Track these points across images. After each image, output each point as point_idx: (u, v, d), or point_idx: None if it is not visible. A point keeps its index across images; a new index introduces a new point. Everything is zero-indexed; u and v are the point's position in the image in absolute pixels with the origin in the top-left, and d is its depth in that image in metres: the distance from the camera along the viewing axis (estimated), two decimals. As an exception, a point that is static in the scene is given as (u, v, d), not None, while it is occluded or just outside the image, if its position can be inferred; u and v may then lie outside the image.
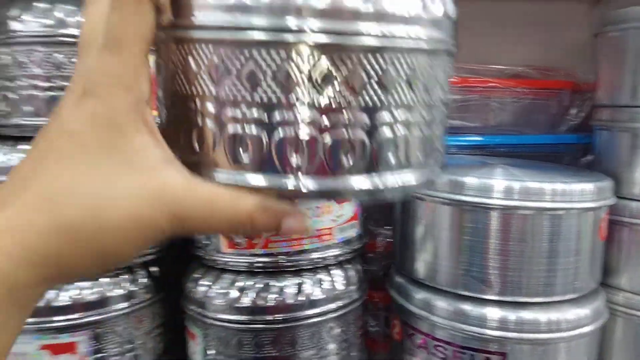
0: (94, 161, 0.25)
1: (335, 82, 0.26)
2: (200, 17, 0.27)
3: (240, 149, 0.27)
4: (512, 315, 0.55)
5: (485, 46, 0.86)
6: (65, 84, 0.52)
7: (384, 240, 0.77)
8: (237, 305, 0.56)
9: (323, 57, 0.26)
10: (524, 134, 0.76)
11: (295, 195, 0.27)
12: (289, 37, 0.26)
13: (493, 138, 0.74)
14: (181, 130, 0.29)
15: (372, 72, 0.27)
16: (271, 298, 0.56)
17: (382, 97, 0.27)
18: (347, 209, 0.61)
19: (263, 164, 0.27)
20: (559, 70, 0.81)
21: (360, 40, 0.26)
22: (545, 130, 0.78)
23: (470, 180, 0.54)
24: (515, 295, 0.55)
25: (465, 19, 0.89)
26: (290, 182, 0.27)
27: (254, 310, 0.56)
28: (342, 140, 0.27)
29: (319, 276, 0.60)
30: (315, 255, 0.59)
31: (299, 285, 0.58)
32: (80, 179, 0.25)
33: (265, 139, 0.26)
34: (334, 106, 0.26)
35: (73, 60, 0.53)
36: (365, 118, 0.27)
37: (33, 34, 0.53)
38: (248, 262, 0.58)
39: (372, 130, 0.27)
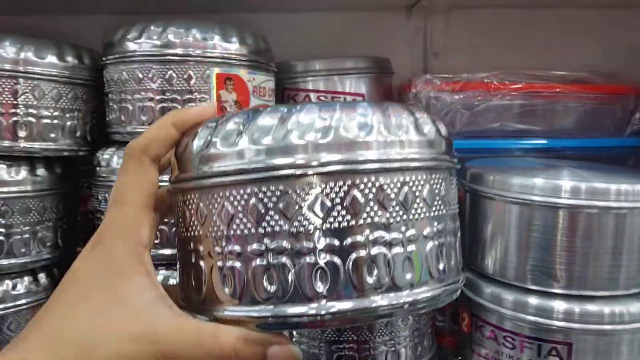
0: (94, 304, 0.29)
1: (339, 208, 0.28)
2: (213, 168, 0.30)
3: (234, 283, 0.29)
4: (577, 307, 0.58)
5: (549, 52, 0.89)
6: (175, 96, 0.60)
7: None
8: (321, 293, 0.62)
9: (325, 185, 0.28)
10: (589, 138, 0.78)
11: (315, 323, 0.29)
12: (285, 173, 0.28)
13: (558, 141, 0.77)
14: (185, 270, 0.32)
15: (378, 194, 0.28)
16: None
17: (388, 217, 0.28)
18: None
19: (286, 294, 0.28)
20: (623, 75, 0.82)
21: (362, 166, 0.28)
22: (609, 133, 0.79)
23: (539, 181, 0.58)
24: (581, 289, 0.58)
25: (530, 27, 0.92)
26: (313, 309, 0.28)
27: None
28: (359, 261, 0.28)
29: (394, 269, 0.65)
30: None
31: (376, 276, 0.64)
32: (80, 320, 0.28)
33: (284, 269, 0.28)
34: (340, 230, 0.28)
35: (182, 76, 0.60)
36: (374, 238, 0.28)
37: (147, 53, 0.60)
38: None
39: (383, 249, 0.28)
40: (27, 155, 0.64)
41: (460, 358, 0.76)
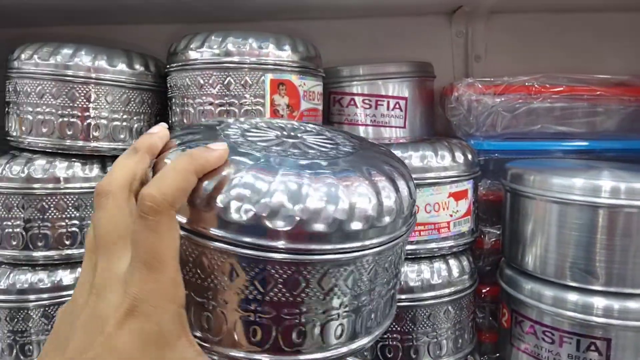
0: None
1: (302, 285, 0.31)
2: (215, 230, 0.31)
3: (263, 335, 0.32)
4: (616, 304, 0.59)
5: (590, 56, 0.90)
6: (233, 100, 0.64)
7: (491, 239, 0.82)
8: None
9: (297, 267, 0.31)
10: (629, 140, 0.79)
11: None
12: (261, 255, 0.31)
13: (599, 143, 0.78)
14: (200, 312, 0.33)
15: (320, 278, 0.32)
16: (396, 281, 0.66)
17: (339, 292, 0.32)
18: (462, 206, 0.69)
19: (313, 344, 0.33)
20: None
21: (321, 256, 0.31)
22: (650, 136, 0.80)
23: (579, 181, 0.60)
24: (620, 286, 0.60)
25: (571, 31, 0.93)
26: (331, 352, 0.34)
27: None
28: (333, 322, 0.33)
29: (437, 264, 0.68)
30: (433, 245, 0.68)
31: (419, 271, 0.67)
32: None
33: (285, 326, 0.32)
34: (306, 301, 0.32)
35: (239, 81, 0.64)
36: (334, 307, 0.33)
37: (208, 61, 0.65)
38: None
39: (338, 315, 0.33)
40: (98, 154, 0.69)
41: (498, 355, 0.78)
